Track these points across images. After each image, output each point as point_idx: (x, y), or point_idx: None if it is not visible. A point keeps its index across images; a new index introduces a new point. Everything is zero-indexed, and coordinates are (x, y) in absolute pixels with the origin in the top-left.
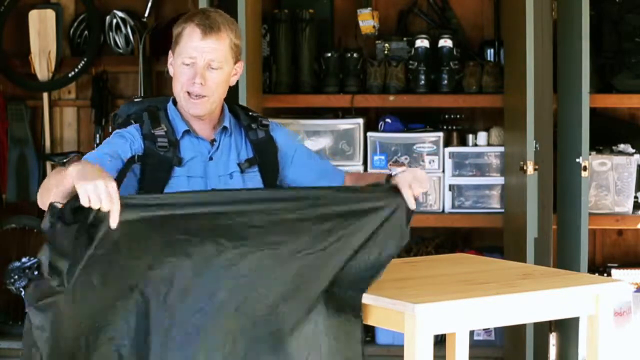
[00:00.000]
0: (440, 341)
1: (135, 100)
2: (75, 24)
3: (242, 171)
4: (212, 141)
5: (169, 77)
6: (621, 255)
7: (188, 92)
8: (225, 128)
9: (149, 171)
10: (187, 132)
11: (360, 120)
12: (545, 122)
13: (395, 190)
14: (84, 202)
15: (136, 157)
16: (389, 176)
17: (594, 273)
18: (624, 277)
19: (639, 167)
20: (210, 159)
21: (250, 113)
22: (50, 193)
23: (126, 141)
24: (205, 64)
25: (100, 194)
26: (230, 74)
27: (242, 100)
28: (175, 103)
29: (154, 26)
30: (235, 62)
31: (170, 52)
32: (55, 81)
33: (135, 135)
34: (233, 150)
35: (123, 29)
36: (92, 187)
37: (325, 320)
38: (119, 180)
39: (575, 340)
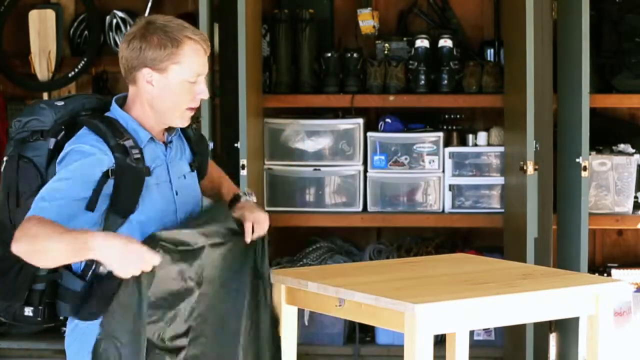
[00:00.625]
0: (440, 341)
1: (58, 104)
2: (75, 24)
3: (191, 170)
4: (167, 143)
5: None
6: (621, 255)
7: (188, 108)
8: (173, 129)
9: (124, 186)
10: (151, 139)
11: (360, 120)
12: (545, 122)
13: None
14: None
15: (109, 172)
16: (236, 199)
17: (594, 273)
18: (624, 277)
19: (639, 167)
20: (169, 161)
21: None
22: (55, 256)
23: (92, 161)
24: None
25: (140, 269)
26: None
27: (243, 100)
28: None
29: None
30: None
31: (148, 69)
32: (55, 81)
33: (103, 149)
34: (180, 150)
35: (123, 29)
36: (133, 269)
37: None
38: (92, 204)
39: (575, 340)
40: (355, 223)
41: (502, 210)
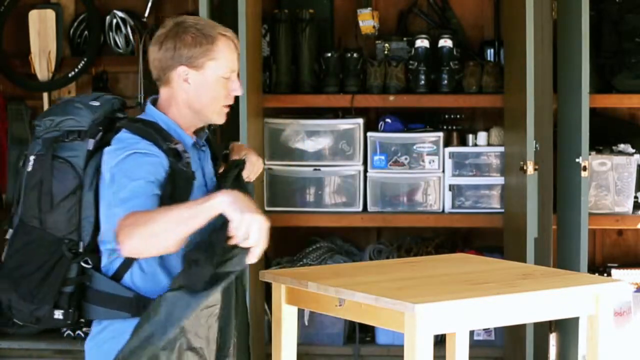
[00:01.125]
0: (440, 341)
1: (95, 104)
2: (75, 24)
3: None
4: (199, 145)
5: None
6: (621, 255)
7: (224, 105)
8: (201, 132)
9: (177, 190)
10: (193, 143)
11: (360, 120)
12: (545, 122)
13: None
14: (237, 233)
15: (167, 175)
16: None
17: (594, 273)
18: (624, 277)
19: (639, 167)
20: (202, 164)
21: None
22: (184, 226)
23: (157, 162)
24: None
25: (256, 230)
26: None
27: (243, 100)
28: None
29: (154, 26)
30: None
31: (185, 67)
32: (55, 81)
33: (160, 154)
34: (207, 156)
35: (123, 29)
36: (250, 220)
37: None
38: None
39: (575, 340)
40: (355, 223)
41: (502, 210)
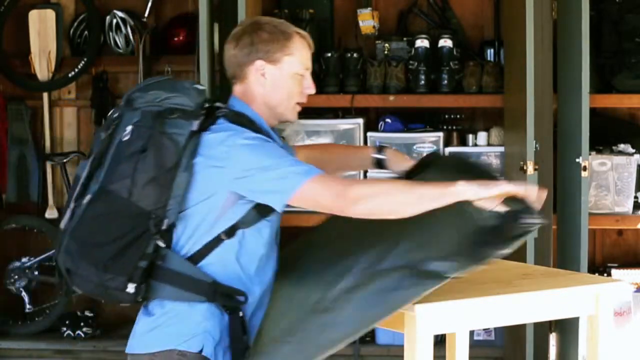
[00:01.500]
0: (440, 341)
1: (200, 88)
2: (75, 24)
3: None
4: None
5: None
6: (621, 255)
7: (297, 102)
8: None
9: None
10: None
11: (360, 120)
12: (545, 122)
13: None
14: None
15: None
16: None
17: (594, 273)
18: (624, 277)
19: (639, 167)
20: None
21: None
22: (426, 203)
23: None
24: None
25: (508, 189)
26: None
27: None
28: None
29: (154, 26)
30: None
31: (261, 61)
32: (55, 81)
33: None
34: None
35: (123, 29)
36: (496, 190)
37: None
38: None
39: (575, 340)
40: None
41: None
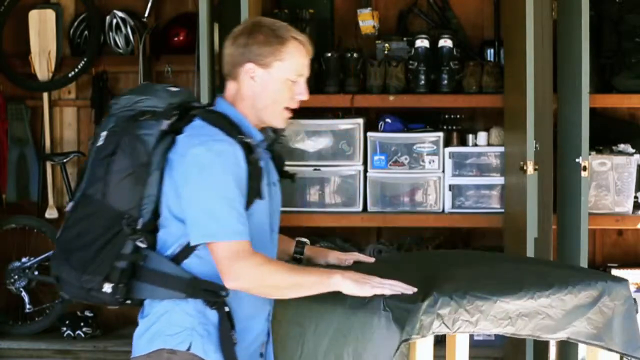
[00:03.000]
0: (440, 341)
1: (174, 90)
2: (75, 24)
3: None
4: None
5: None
6: (621, 255)
7: (285, 108)
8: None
9: (254, 182)
10: (262, 140)
11: (360, 120)
12: (545, 122)
13: None
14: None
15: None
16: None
17: None
18: None
19: (639, 167)
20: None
21: None
22: (301, 291)
23: (235, 161)
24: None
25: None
26: None
27: None
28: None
29: (154, 26)
30: None
31: (252, 64)
32: (55, 81)
33: (238, 150)
34: (270, 159)
35: (123, 29)
36: (370, 290)
37: None
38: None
39: None
40: (355, 223)
41: (502, 210)
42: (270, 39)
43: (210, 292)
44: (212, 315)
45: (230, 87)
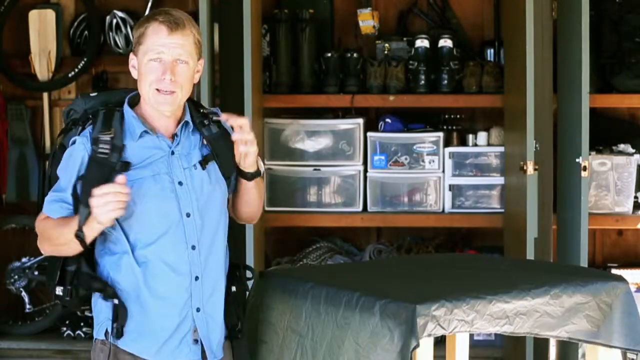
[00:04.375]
0: (440, 341)
1: (92, 95)
2: (75, 24)
3: (203, 163)
4: (173, 136)
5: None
6: (621, 255)
7: (157, 89)
8: (187, 122)
9: (91, 172)
10: (145, 132)
11: (360, 120)
12: (545, 122)
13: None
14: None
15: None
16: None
17: None
18: None
19: (639, 167)
20: (172, 153)
21: (202, 110)
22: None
23: (76, 161)
24: (173, 60)
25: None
26: (194, 69)
27: (248, 101)
28: (131, 104)
29: None
30: (198, 59)
31: (132, 54)
32: (55, 81)
33: (85, 143)
34: (194, 143)
35: (123, 29)
36: (113, 209)
37: None
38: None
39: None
40: (355, 223)
41: (502, 210)
42: (138, 26)
43: (97, 287)
44: (108, 306)
45: None
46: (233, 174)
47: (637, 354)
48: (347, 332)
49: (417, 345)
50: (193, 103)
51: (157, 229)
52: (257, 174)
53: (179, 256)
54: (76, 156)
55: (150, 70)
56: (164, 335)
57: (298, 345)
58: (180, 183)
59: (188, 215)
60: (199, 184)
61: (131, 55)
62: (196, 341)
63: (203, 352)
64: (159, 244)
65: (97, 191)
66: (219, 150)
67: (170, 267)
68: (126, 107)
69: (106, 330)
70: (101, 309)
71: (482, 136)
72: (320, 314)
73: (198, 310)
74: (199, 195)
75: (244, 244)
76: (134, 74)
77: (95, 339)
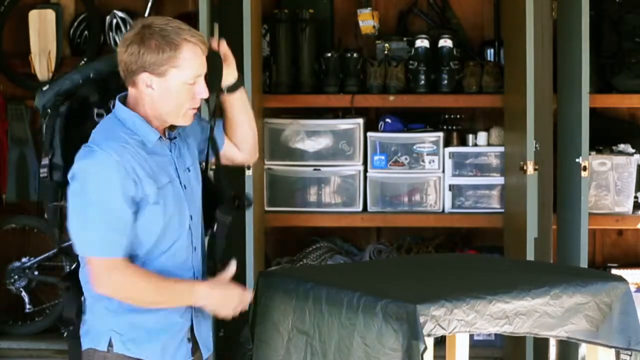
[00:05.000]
0: (440, 341)
1: (43, 89)
2: (75, 24)
3: (192, 161)
4: (171, 139)
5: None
6: (621, 255)
7: (190, 108)
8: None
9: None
10: (159, 138)
11: (360, 120)
12: (545, 122)
13: None
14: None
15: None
16: None
17: None
18: None
19: (639, 167)
20: (176, 157)
21: None
22: (162, 302)
23: (127, 175)
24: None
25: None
26: None
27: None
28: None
29: None
30: None
31: (147, 73)
32: (55, 81)
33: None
34: (184, 144)
35: (123, 29)
36: (233, 310)
37: None
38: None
39: None
40: (355, 223)
41: (502, 210)
42: (163, 46)
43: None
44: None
45: (131, 91)
46: (206, 140)
47: (630, 354)
48: (353, 332)
49: (426, 348)
50: None
51: (173, 236)
52: (239, 82)
53: (186, 259)
54: (125, 172)
55: (187, 91)
56: (168, 338)
57: (307, 345)
58: (185, 187)
59: (191, 218)
60: (195, 184)
61: (146, 75)
62: (189, 339)
63: (194, 347)
64: (172, 250)
65: (233, 291)
66: (194, 137)
67: (182, 270)
68: (131, 114)
69: (110, 341)
70: (101, 318)
71: (482, 136)
72: (324, 314)
73: (196, 309)
74: (195, 197)
75: (244, 244)
76: (148, 92)
77: (89, 348)
